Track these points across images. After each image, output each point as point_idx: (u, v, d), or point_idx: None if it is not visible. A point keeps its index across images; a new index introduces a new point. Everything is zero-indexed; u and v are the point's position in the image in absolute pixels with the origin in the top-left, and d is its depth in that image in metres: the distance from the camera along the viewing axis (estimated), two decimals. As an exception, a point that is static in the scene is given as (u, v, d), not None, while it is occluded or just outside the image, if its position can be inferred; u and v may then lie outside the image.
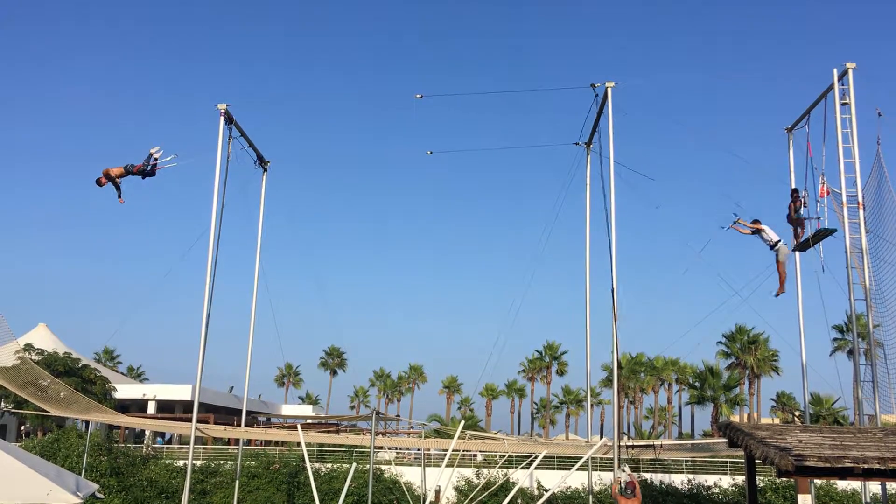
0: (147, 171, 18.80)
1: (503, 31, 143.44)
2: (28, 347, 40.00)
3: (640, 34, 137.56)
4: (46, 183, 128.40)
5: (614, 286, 18.13)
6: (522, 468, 28.51)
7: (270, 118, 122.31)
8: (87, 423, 32.94)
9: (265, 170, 23.50)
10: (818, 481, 26.23)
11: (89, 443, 29.23)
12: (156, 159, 18.79)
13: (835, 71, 17.32)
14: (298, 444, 25.83)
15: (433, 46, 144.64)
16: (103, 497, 23.63)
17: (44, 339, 53.10)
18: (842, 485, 28.31)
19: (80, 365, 44.96)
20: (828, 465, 9.66)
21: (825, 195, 17.71)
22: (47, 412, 25.71)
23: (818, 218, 18.12)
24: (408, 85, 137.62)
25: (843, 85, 17.15)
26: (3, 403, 40.82)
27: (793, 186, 19.66)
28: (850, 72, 17.06)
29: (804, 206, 18.63)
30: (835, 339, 56.04)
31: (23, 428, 48.05)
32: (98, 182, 18.53)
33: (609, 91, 19.24)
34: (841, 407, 55.83)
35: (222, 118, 19.84)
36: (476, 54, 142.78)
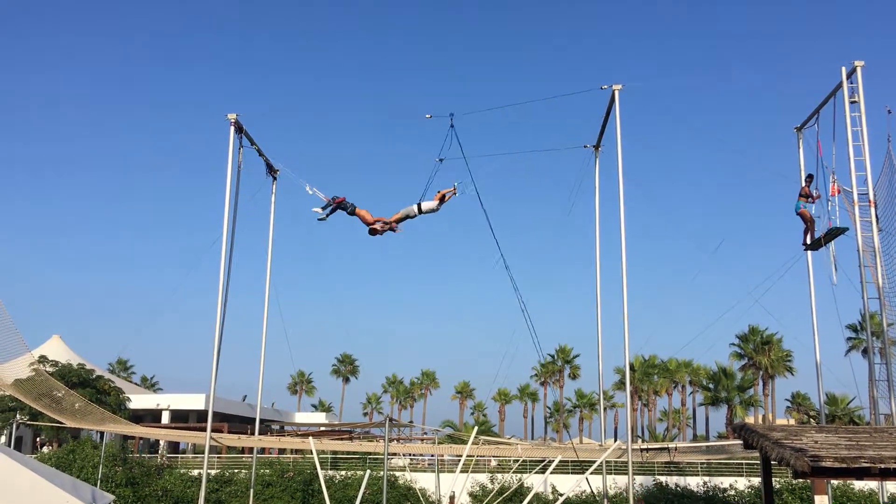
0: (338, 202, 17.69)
1: (510, 35, 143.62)
2: (42, 359, 40.22)
3: (646, 36, 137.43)
4: (58, 194, 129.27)
5: (624, 287, 18.09)
6: (537, 473, 28.46)
7: (280, 127, 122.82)
8: (102, 433, 33.06)
9: (275, 178, 23.56)
10: (835, 482, 26.05)
11: (104, 453, 29.34)
12: (327, 206, 17.80)
13: (843, 69, 17.25)
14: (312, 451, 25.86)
15: (442, 52, 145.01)
16: (119, 507, 23.69)
17: (58, 350, 53.39)
18: (859, 485, 28.12)
19: (94, 376, 45.19)
20: (844, 465, 9.59)
21: (836, 194, 17.65)
22: (62, 424, 25.84)
23: (818, 217, 18.12)
24: (417, 90, 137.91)
25: (851, 83, 17.09)
26: (18, 416, 41.03)
27: (802, 185, 19.60)
28: (859, 70, 17.00)
29: (814, 200, 18.57)
30: (849, 339, 55.76)
31: (38, 440, 48.33)
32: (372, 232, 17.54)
33: (616, 93, 19.21)
34: (857, 407, 55.49)
35: (232, 128, 19.91)
36: (485, 58, 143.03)
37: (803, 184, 18.89)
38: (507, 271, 17.84)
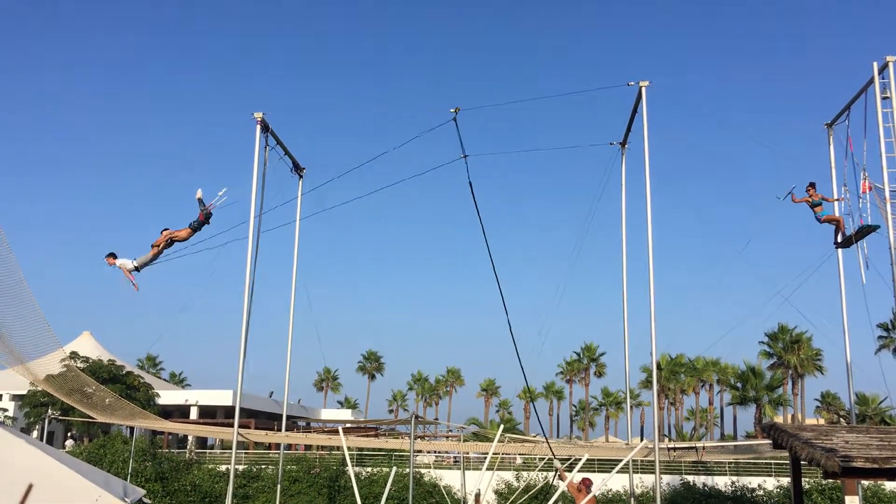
0: (208, 215, 18.12)
1: (535, 34, 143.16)
2: (73, 355, 40.78)
3: (674, 33, 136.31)
4: (87, 193, 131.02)
5: (651, 285, 17.97)
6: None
7: (307, 126, 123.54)
8: (132, 428, 33.47)
9: (301, 177, 23.68)
10: (865, 483, 25.72)
11: (134, 448, 29.72)
12: (205, 204, 18.35)
13: (875, 64, 17.01)
14: (338, 448, 25.98)
15: (464, 52, 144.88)
16: (150, 502, 23.93)
17: (88, 346, 54.19)
18: (889, 486, 27.75)
19: (123, 372, 45.79)
20: (875, 466, 9.48)
21: (867, 191, 17.40)
22: (93, 419, 26.17)
23: (847, 215, 17.88)
24: (441, 88, 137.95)
25: (883, 78, 16.84)
26: (50, 411, 41.67)
27: (833, 182, 19.43)
28: (891, 65, 16.73)
29: (831, 201, 18.40)
30: (880, 338, 55.06)
31: (69, 434, 49.06)
32: (154, 244, 17.80)
33: (643, 90, 19.05)
34: (888, 406, 54.81)
35: (258, 126, 20.03)
36: (510, 59, 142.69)
37: (806, 195, 18.52)
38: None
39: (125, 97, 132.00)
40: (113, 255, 17.64)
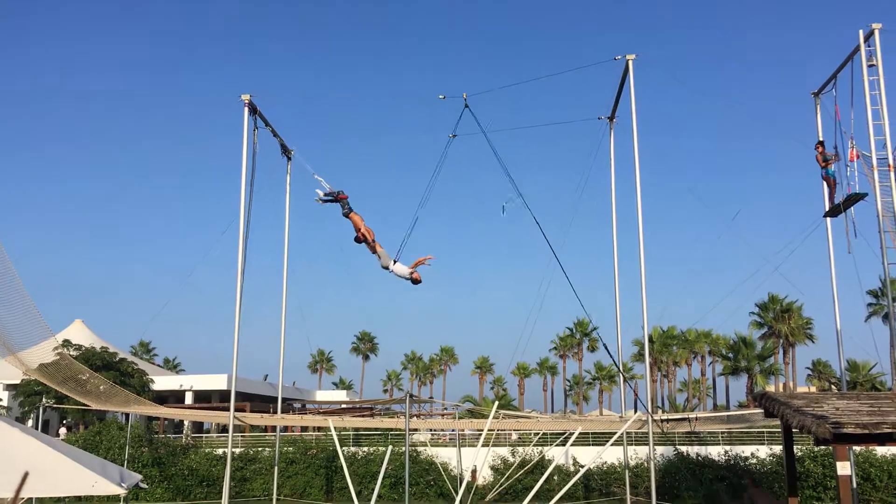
0: (340, 195, 17.67)
1: (523, 10, 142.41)
2: (66, 343, 40.65)
3: (662, 4, 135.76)
4: (75, 180, 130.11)
5: (641, 259, 18.05)
6: (558, 445, 28.60)
7: (297, 109, 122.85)
8: (128, 415, 33.51)
9: (290, 158, 23.62)
10: (857, 448, 26.01)
11: (130, 434, 29.78)
12: (329, 194, 17.65)
13: (861, 32, 17.02)
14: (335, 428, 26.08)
15: (456, 32, 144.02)
16: (147, 487, 24.01)
17: (81, 334, 54.00)
18: (881, 451, 28.08)
19: (117, 359, 45.70)
20: (866, 431, 9.60)
21: (855, 159, 17.48)
22: (88, 406, 26.18)
23: (837, 184, 17.94)
24: (426, 69, 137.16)
25: (869, 46, 16.86)
26: (44, 399, 41.57)
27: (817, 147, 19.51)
28: (877, 32, 16.75)
29: (834, 162, 18.50)
30: (870, 305, 55.41)
31: (64, 422, 49.07)
32: (371, 245, 16.94)
33: (630, 63, 19.02)
34: (878, 373, 55.27)
35: (246, 109, 19.94)
36: (502, 37, 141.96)
37: (817, 153, 18.67)
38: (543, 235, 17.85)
39: (117, 82, 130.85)
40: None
